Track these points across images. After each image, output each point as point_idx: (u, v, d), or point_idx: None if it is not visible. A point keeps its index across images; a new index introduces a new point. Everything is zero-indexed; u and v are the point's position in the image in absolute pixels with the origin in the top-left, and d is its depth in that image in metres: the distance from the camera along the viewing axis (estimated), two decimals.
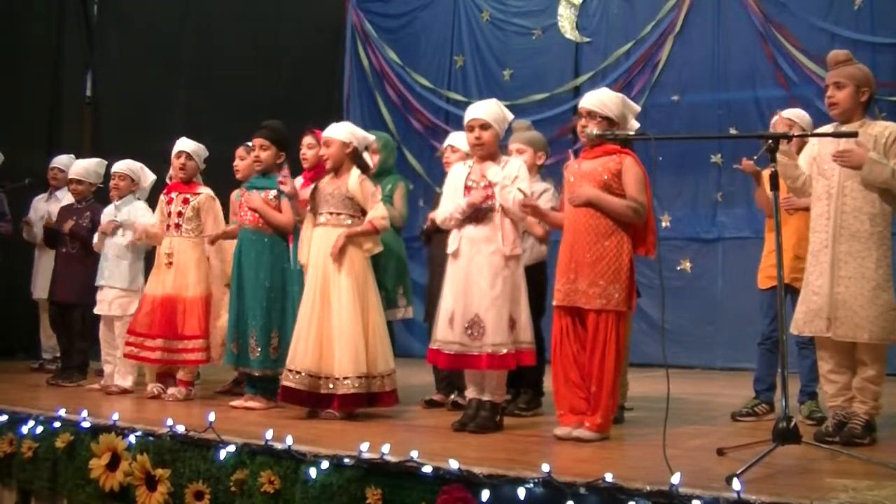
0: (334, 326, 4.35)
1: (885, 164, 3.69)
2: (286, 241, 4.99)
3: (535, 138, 4.79)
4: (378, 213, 4.50)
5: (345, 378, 4.29)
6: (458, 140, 4.93)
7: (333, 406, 4.32)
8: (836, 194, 3.78)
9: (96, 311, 5.62)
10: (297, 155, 5.50)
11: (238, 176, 5.61)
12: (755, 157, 4.57)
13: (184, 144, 5.33)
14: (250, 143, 5.11)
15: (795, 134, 4.20)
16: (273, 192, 4.93)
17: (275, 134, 4.98)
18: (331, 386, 4.31)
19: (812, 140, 4.04)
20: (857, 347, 3.75)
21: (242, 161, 5.59)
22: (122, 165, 5.71)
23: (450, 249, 4.15)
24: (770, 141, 3.44)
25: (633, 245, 3.83)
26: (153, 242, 5.43)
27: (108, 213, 5.71)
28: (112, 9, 8.37)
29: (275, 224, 4.90)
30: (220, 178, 5.68)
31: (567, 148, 4.06)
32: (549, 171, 4.91)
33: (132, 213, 5.59)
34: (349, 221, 4.49)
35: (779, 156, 3.50)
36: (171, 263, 5.20)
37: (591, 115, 3.89)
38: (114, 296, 5.54)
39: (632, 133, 4.00)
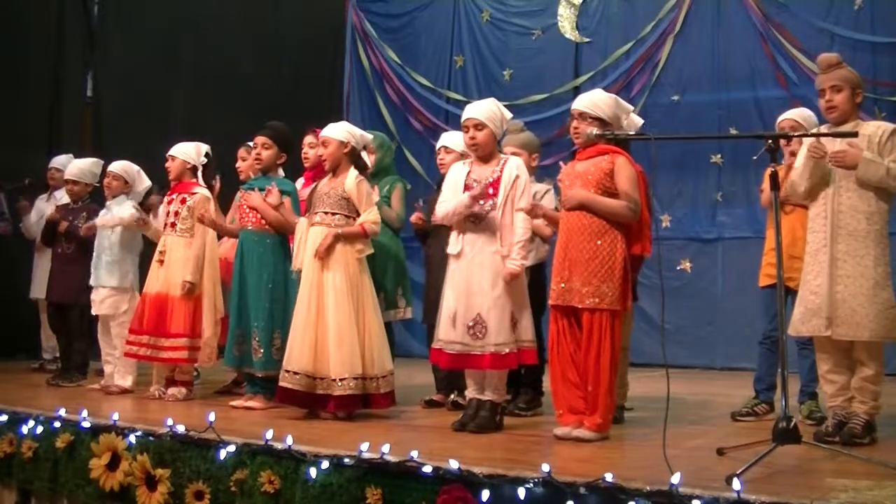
0: (329, 327, 4.34)
1: (880, 162, 3.70)
2: (288, 241, 4.99)
3: (529, 140, 4.80)
4: (370, 217, 4.49)
5: (340, 379, 4.28)
6: (451, 140, 4.95)
7: (329, 407, 4.32)
8: (833, 194, 3.79)
9: (93, 311, 5.64)
10: (299, 155, 5.51)
11: (241, 177, 5.62)
12: (755, 157, 4.57)
13: (171, 149, 5.36)
14: (251, 143, 5.11)
15: (795, 134, 4.20)
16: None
17: (277, 134, 4.99)
18: (326, 387, 4.31)
19: (806, 142, 4.04)
20: (855, 347, 3.76)
21: (244, 161, 5.59)
22: (118, 166, 5.72)
23: (453, 250, 4.15)
24: (770, 141, 3.44)
25: (627, 244, 3.83)
26: (145, 230, 5.42)
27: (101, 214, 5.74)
28: (112, 9, 8.35)
29: (275, 223, 4.90)
30: (220, 177, 5.67)
31: (567, 148, 4.07)
32: (549, 172, 4.92)
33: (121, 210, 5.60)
34: (342, 222, 4.49)
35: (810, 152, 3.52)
36: (162, 261, 5.21)
37: (582, 116, 3.91)
38: (105, 295, 5.55)
39: (632, 132, 4.01)
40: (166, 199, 5.38)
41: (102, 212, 5.74)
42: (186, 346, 5.11)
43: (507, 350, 3.99)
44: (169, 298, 5.15)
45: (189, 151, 5.36)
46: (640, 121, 4.33)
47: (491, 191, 4.11)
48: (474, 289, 4.05)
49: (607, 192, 3.83)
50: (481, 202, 4.08)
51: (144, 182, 5.78)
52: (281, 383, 4.37)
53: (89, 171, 6.12)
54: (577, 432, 3.72)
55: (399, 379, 4.60)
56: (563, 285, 3.83)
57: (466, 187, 4.16)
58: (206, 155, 5.41)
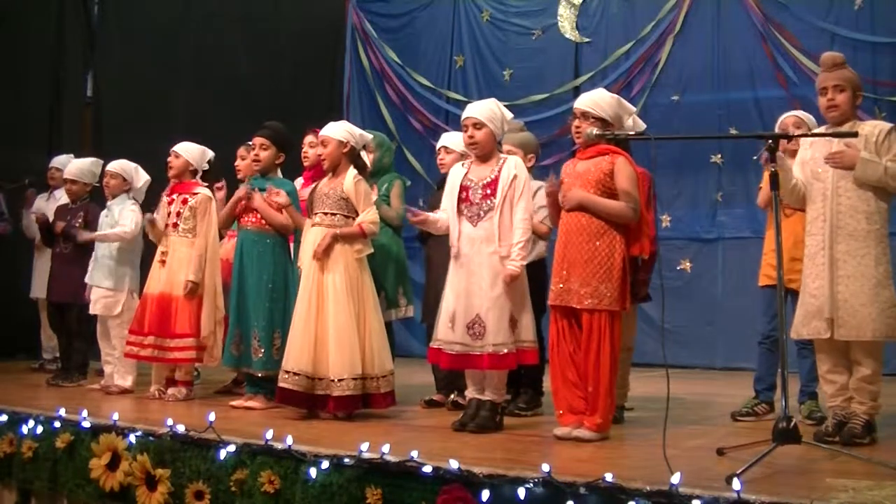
0: (329, 327, 4.34)
1: (878, 162, 3.70)
2: (287, 241, 5.00)
3: (526, 140, 4.80)
4: (369, 217, 4.48)
5: (339, 379, 4.28)
6: (450, 141, 4.95)
7: (328, 408, 4.32)
8: (831, 195, 3.78)
9: (89, 311, 5.64)
10: (299, 154, 5.51)
11: (239, 176, 5.62)
12: (755, 157, 4.56)
13: (177, 145, 5.37)
14: (251, 143, 5.12)
15: (795, 134, 4.19)
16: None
17: (276, 134, 4.99)
18: (325, 387, 4.30)
19: (804, 144, 4.04)
20: (852, 347, 3.75)
21: (243, 161, 5.59)
22: (115, 165, 5.72)
23: (452, 252, 4.15)
24: (770, 141, 3.44)
25: (626, 244, 3.83)
26: (152, 229, 5.38)
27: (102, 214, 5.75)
28: (112, 9, 8.36)
29: (275, 224, 4.90)
30: (220, 177, 5.67)
31: (567, 148, 4.07)
32: (547, 172, 4.92)
33: (122, 214, 5.59)
34: (342, 222, 4.49)
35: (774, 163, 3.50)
36: (164, 262, 5.21)
37: (584, 115, 3.91)
38: (99, 295, 5.55)
39: (632, 133, 4.00)
40: (166, 198, 5.38)
41: (103, 213, 5.74)
42: (193, 345, 5.11)
43: (506, 350, 3.99)
44: (173, 299, 5.15)
45: (195, 154, 5.37)
46: (643, 125, 4.33)
47: (488, 191, 4.10)
48: (473, 289, 4.04)
49: (607, 192, 3.82)
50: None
51: (143, 178, 5.77)
52: (280, 384, 4.38)
53: (88, 171, 6.12)
54: (577, 432, 3.72)
55: (399, 379, 4.60)
56: (561, 286, 3.83)
57: (462, 188, 4.16)
58: (209, 161, 5.44)
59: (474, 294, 4.04)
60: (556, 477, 2.79)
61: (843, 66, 3.87)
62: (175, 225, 5.26)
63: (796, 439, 3.14)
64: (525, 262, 4.07)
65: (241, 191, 4.97)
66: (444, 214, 4.24)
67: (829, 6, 7.89)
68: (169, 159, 5.35)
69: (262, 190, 4.93)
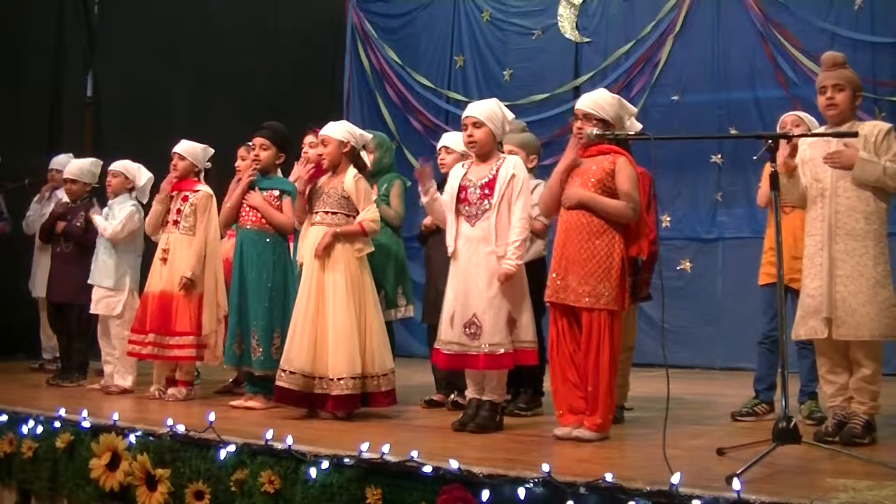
0: (329, 326, 4.34)
1: (877, 162, 3.69)
2: (287, 240, 5.00)
3: (528, 141, 4.80)
4: (369, 215, 4.49)
5: (339, 379, 4.28)
6: (451, 141, 4.95)
7: (327, 407, 4.31)
8: (830, 195, 3.78)
9: (90, 310, 5.64)
10: (299, 154, 5.52)
11: (238, 176, 5.61)
12: (756, 157, 4.56)
13: (178, 146, 5.38)
14: (251, 143, 5.12)
15: (795, 134, 4.19)
16: (275, 192, 4.94)
17: (275, 134, 5.00)
18: (325, 386, 4.30)
19: (803, 144, 4.03)
20: (851, 347, 3.75)
21: (244, 161, 5.60)
22: (118, 164, 5.73)
23: (449, 251, 4.15)
24: (770, 141, 3.44)
25: (626, 244, 3.83)
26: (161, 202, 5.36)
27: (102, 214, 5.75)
28: (113, 9, 8.37)
29: (275, 223, 4.91)
30: (221, 177, 5.68)
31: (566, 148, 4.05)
32: (549, 172, 4.92)
33: (119, 214, 5.59)
34: (342, 221, 4.49)
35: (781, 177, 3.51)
36: (166, 259, 5.21)
37: (586, 116, 3.90)
38: (100, 295, 5.56)
39: (632, 133, 4.01)
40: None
41: (104, 211, 5.75)
42: (193, 343, 5.11)
43: (502, 350, 3.98)
44: (174, 297, 5.16)
45: (198, 154, 5.39)
46: (639, 126, 4.34)
47: (486, 191, 4.10)
48: (471, 289, 4.04)
49: (608, 191, 3.82)
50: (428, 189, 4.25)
51: (146, 176, 5.78)
52: (278, 382, 4.37)
53: (88, 171, 6.13)
54: (577, 432, 3.72)
55: (399, 379, 4.59)
56: (559, 282, 3.83)
57: (461, 188, 4.16)
58: (209, 160, 5.46)
59: (471, 294, 4.03)
60: (556, 477, 2.79)
61: (843, 65, 3.87)
62: (176, 223, 5.27)
63: (796, 439, 3.14)
64: (521, 262, 4.06)
65: (245, 180, 4.97)
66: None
67: (829, 6, 7.89)
68: (173, 162, 5.34)
69: (262, 189, 4.94)
